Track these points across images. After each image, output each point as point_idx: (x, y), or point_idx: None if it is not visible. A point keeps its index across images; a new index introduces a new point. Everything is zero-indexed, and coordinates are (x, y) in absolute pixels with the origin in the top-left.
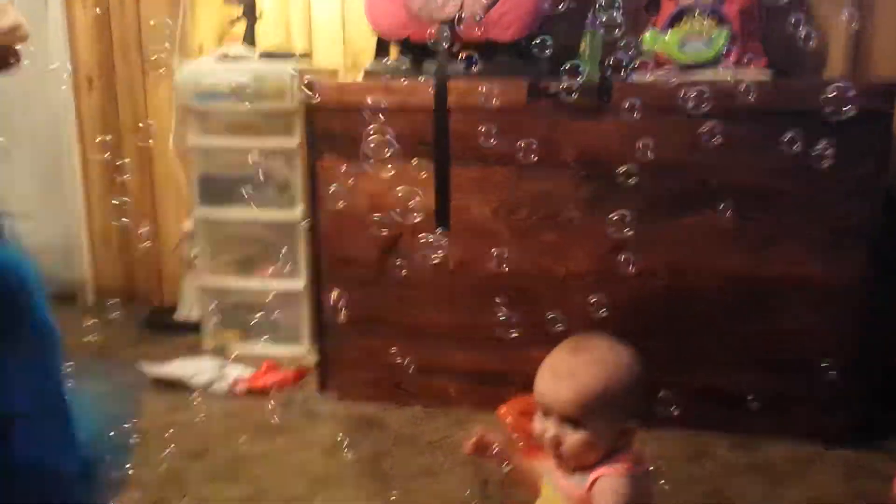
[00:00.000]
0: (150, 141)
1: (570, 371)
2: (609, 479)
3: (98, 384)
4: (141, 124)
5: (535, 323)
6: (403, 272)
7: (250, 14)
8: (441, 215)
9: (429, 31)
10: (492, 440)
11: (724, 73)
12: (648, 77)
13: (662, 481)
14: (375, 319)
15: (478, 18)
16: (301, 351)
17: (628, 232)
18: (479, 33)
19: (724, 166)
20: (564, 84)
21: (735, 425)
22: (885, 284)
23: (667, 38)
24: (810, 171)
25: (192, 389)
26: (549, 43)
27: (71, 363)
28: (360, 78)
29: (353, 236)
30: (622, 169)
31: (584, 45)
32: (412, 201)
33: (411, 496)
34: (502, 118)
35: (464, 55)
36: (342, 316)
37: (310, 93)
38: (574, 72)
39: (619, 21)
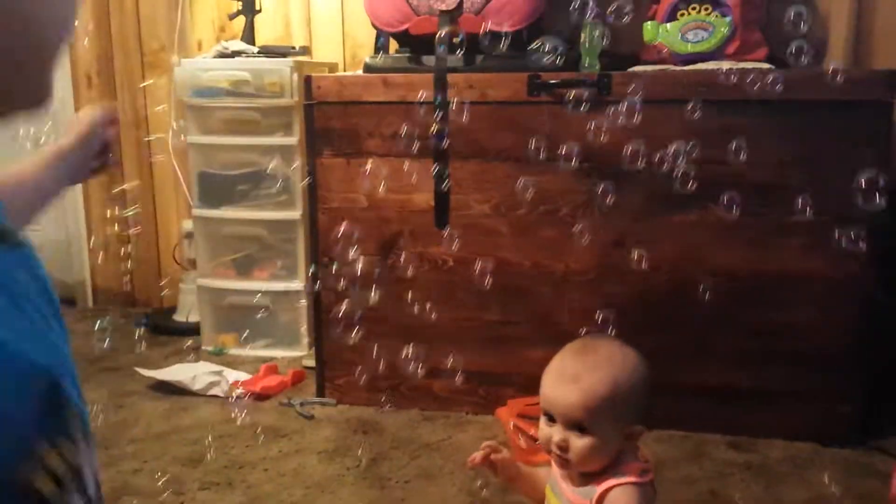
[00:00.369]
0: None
1: (576, 375)
2: (619, 491)
3: None
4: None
5: (534, 322)
6: (402, 271)
7: (249, 9)
8: (440, 211)
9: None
10: (499, 457)
11: (724, 64)
12: (649, 69)
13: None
14: (374, 320)
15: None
16: (299, 353)
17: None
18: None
19: (724, 158)
20: (564, 77)
21: (732, 425)
22: (886, 280)
23: (668, 28)
24: (811, 162)
25: (189, 393)
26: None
27: None
28: (359, 72)
29: (352, 235)
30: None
31: (584, 37)
32: (411, 198)
33: (409, 500)
34: (502, 112)
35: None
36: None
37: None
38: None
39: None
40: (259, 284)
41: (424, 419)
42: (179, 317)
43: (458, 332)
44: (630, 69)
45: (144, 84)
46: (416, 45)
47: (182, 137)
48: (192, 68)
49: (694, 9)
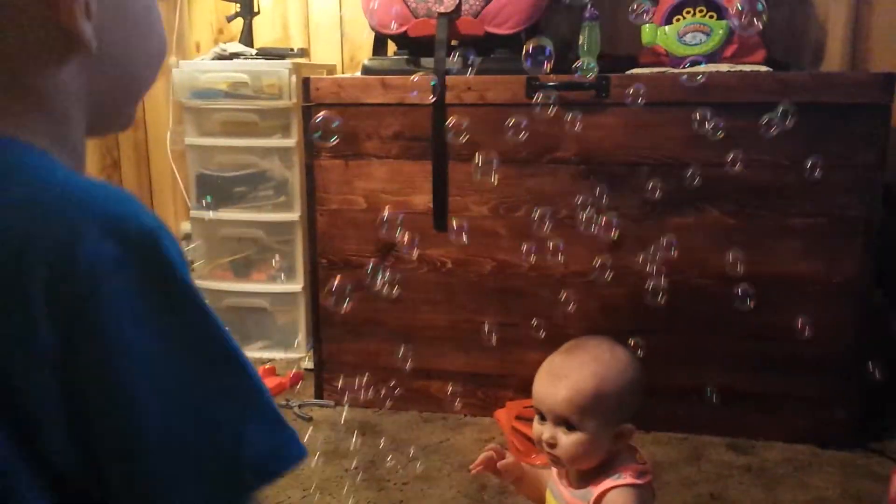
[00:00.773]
0: (147, 140)
1: (565, 372)
2: (616, 493)
3: None
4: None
5: (532, 324)
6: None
7: (247, 11)
8: (439, 213)
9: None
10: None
11: (722, 66)
12: (647, 71)
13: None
14: (373, 322)
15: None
16: (298, 355)
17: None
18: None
19: (722, 161)
20: (563, 78)
21: (731, 427)
22: (884, 281)
23: (666, 31)
24: (809, 165)
25: None
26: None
27: None
28: (358, 74)
29: (350, 237)
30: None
31: (583, 39)
32: (410, 200)
33: (408, 502)
34: (500, 114)
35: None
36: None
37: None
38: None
39: None
40: (257, 286)
41: (423, 421)
42: None
43: (455, 333)
44: (628, 72)
45: None
46: (414, 47)
47: (180, 139)
48: (191, 70)
49: (691, 12)
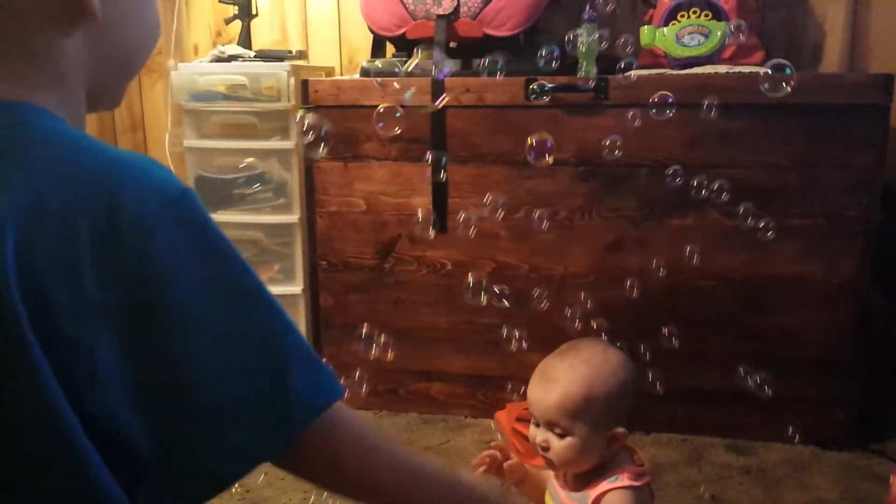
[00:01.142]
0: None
1: (554, 377)
2: (613, 495)
3: None
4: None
5: (533, 325)
6: (400, 275)
7: (245, 13)
8: (438, 215)
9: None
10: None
11: (721, 68)
12: (645, 73)
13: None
14: (372, 323)
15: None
16: None
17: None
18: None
19: (721, 162)
20: (562, 80)
21: (731, 428)
22: (883, 281)
23: (664, 32)
24: (808, 166)
25: None
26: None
27: None
28: (356, 76)
29: (349, 238)
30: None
31: (581, 41)
32: (410, 202)
33: None
34: (499, 116)
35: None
36: None
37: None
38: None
39: None
40: None
41: (423, 423)
42: None
43: (455, 335)
44: (627, 73)
45: None
46: (413, 49)
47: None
48: (189, 73)
49: (691, 13)
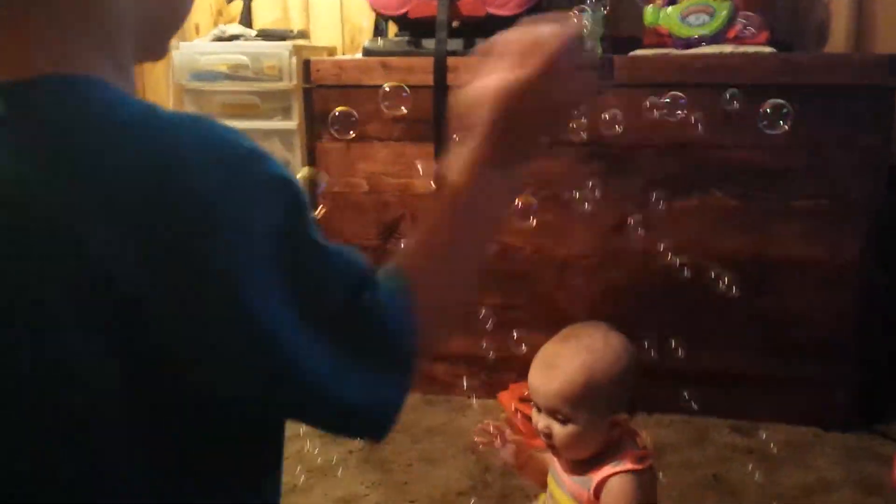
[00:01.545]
0: None
1: (555, 363)
2: (616, 479)
3: None
4: None
5: (535, 306)
6: None
7: None
8: None
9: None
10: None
11: (726, 48)
12: (650, 52)
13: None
14: None
15: None
16: None
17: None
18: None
19: (726, 143)
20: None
21: (735, 409)
22: (887, 263)
23: (668, 11)
24: (813, 147)
25: None
26: None
27: None
28: (359, 56)
29: (352, 219)
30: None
31: (586, 21)
32: (412, 182)
33: (411, 483)
34: None
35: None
36: None
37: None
38: None
39: None
40: None
41: (426, 403)
42: None
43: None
44: (631, 53)
45: None
46: (415, 28)
47: None
48: (190, 52)
49: None
